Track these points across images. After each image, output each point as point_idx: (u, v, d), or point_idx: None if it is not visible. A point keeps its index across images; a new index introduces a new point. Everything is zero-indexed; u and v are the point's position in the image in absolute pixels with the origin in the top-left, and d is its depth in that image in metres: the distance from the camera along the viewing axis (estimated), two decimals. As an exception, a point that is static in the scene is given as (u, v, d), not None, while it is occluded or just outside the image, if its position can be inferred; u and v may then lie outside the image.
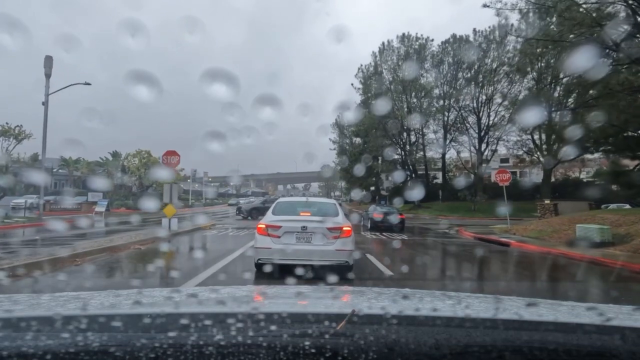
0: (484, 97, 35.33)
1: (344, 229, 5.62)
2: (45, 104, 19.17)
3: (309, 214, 6.00)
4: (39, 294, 1.27)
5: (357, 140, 53.03)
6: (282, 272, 4.47)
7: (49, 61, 19.10)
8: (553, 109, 16.16)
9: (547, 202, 16.30)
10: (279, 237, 5.58)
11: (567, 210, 15.57)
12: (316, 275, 3.64)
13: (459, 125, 38.70)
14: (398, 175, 37.96)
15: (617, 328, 0.82)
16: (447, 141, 40.96)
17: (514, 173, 54.99)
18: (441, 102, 37.76)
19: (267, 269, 5.40)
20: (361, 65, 38.61)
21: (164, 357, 0.73)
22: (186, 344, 0.74)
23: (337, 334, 0.78)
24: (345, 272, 5.42)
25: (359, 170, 42.36)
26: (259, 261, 5.61)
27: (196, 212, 32.07)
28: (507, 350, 0.76)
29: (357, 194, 58.19)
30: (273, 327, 0.80)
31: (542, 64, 28.18)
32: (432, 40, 35.55)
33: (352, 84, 40.12)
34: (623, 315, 1.01)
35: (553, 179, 37.67)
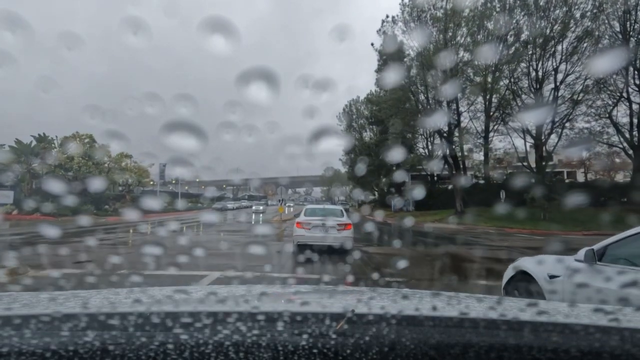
0: (553, 64, 25.86)
1: (347, 224, 9.19)
2: None
3: (326, 216, 9.40)
4: (38, 292, 1.21)
5: (370, 133, 43.76)
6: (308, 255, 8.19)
7: None
8: None
9: None
10: (309, 229, 9.15)
11: None
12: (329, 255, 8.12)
13: (510, 108, 29.26)
14: (435, 167, 28.33)
15: (616, 329, 0.81)
16: (490, 128, 31.66)
17: (559, 172, 45.51)
18: (484, 77, 28.23)
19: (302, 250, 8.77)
20: (387, 16, 28.17)
21: (164, 355, 0.72)
22: (186, 343, 0.73)
23: (336, 333, 0.77)
24: (347, 250, 8.78)
25: (375, 163, 32.97)
26: (298, 243, 9.14)
27: (146, 222, 22.70)
28: (507, 350, 0.75)
29: (366, 197, 49.29)
30: (273, 327, 0.79)
31: None
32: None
33: (372, 44, 30.45)
34: (623, 317, 0.96)
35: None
